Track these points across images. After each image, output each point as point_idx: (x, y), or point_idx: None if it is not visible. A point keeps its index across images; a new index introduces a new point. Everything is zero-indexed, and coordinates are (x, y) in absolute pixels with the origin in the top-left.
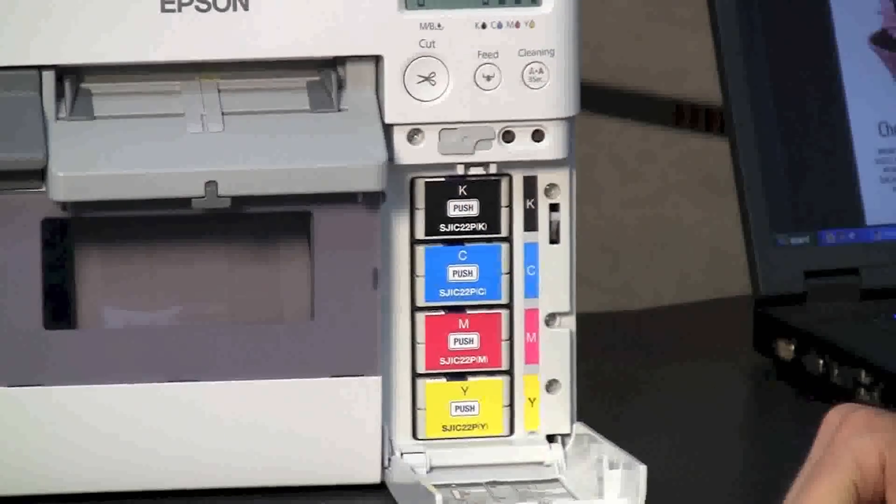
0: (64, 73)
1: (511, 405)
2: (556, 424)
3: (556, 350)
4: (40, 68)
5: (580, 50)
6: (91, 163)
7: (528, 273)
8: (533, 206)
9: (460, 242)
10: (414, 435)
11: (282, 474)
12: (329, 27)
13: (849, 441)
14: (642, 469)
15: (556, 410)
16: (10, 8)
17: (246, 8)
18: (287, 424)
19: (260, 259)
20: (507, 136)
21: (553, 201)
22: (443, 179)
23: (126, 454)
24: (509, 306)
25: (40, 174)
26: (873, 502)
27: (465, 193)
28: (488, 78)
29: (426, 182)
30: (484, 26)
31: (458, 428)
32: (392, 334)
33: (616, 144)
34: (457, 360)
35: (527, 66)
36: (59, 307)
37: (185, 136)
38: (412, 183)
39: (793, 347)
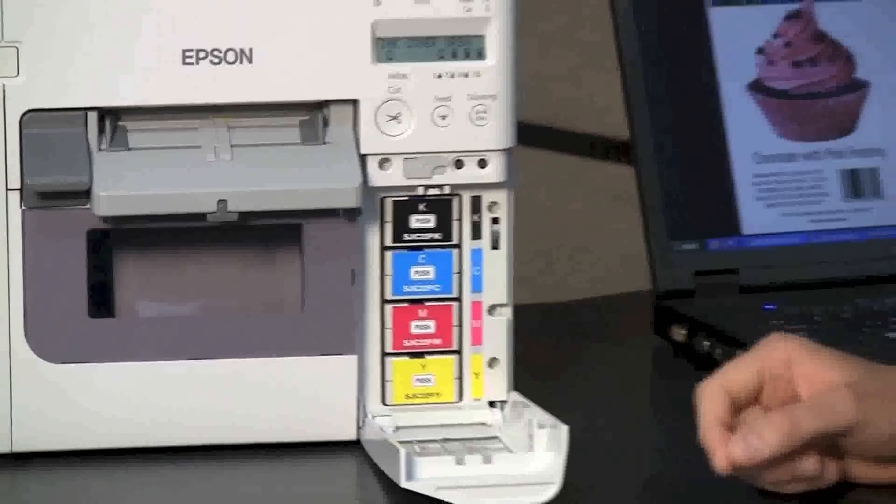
0: (105, 114)
1: (460, 378)
2: (496, 393)
3: (497, 334)
4: (86, 110)
5: (517, 94)
6: (127, 185)
7: (474, 273)
8: (478, 220)
9: (420, 248)
10: (383, 402)
11: (279, 432)
12: (316, 77)
13: (766, 341)
14: (565, 429)
15: (496, 382)
16: (61, 63)
17: (251, 61)
18: (283, 393)
19: (261, 262)
20: (458, 164)
21: (494, 215)
22: (406, 198)
23: (154, 416)
24: (459, 299)
25: (86, 194)
26: (778, 391)
27: (424, 209)
28: (443, 117)
29: (393, 200)
30: (440, 76)
31: (418, 396)
32: (366, 321)
33: (547, 171)
34: (417, 342)
35: (474, 107)
36: (101, 300)
37: (201, 164)
38: (382, 201)
39: (684, 332)
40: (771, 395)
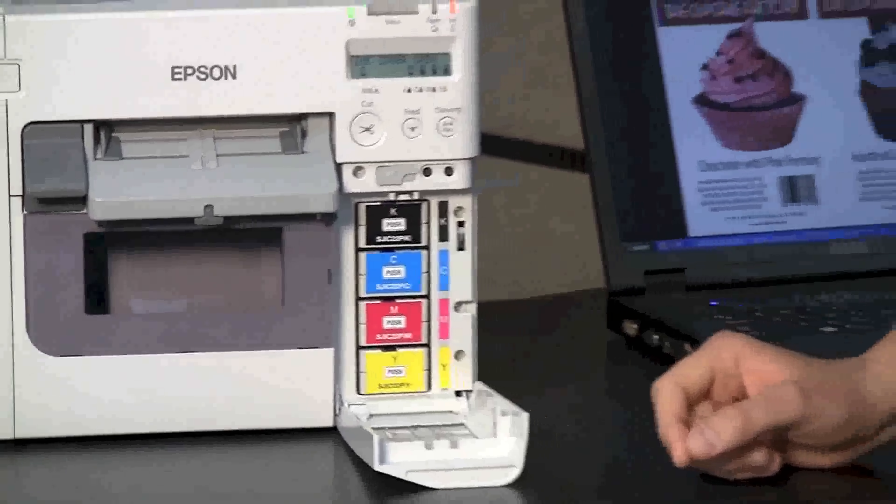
0: (100, 126)
1: (429, 369)
2: (462, 383)
3: (462, 329)
4: (82, 122)
5: (480, 107)
6: (120, 191)
7: (442, 272)
8: (445, 223)
9: (392, 250)
10: (357, 391)
11: (261, 419)
12: (295, 91)
13: (714, 339)
14: (526, 416)
15: (462, 373)
16: (60, 79)
17: (235, 77)
18: (264, 383)
19: (245, 262)
20: (427, 172)
21: (460, 219)
22: (379, 203)
23: (145, 405)
24: (428, 296)
25: (83, 200)
26: (727, 386)
27: (395, 214)
28: (412, 129)
29: (367, 205)
30: (409, 90)
31: (390, 386)
32: (342, 317)
33: (505, 177)
34: (389, 336)
35: (441, 119)
36: (97, 298)
37: (189, 172)
38: (356, 206)
39: (636, 326)
40: (721, 390)
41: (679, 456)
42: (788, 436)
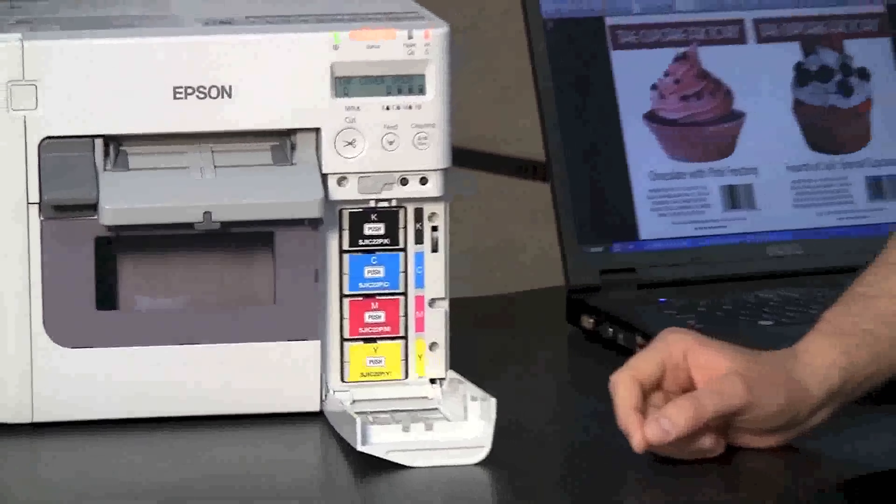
0: (109, 140)
1: (406, 359)
2: (436, 372)
3: (436, 323)
4: (93, 137)
5: (452, 123)
6: (128, 199)
7: (417, 272)
8: (420, 228)
9: (372, 252)
10: (342, 379)
11: (254, 405)
12: (285, 109)
13: (664, 335)
14: (493, 401)
15: (436, 363)
16: (73, 98)
17: (230, 96)
18: (257, 372)
19: (240, 263)
20: (404, 181)
21: (434, 224)
22: (361, 210)
23: (149, 391)
24: (405, 294)
25: (94, 207)
26: (677, 377)
27: (375, 219)
28: (391, 143)
29: (349, 212)
30: (388, 108)
31: (371, 375)
32: (327, 312)
33: (480, 190)
34: (370, 329)
35: (416, 134)
36: (106, 295)
37: (189, 182)
38: (340, 212)
39: (592, 320)
40: (671, 381)
41: (638, 442)
42: (733, 421)
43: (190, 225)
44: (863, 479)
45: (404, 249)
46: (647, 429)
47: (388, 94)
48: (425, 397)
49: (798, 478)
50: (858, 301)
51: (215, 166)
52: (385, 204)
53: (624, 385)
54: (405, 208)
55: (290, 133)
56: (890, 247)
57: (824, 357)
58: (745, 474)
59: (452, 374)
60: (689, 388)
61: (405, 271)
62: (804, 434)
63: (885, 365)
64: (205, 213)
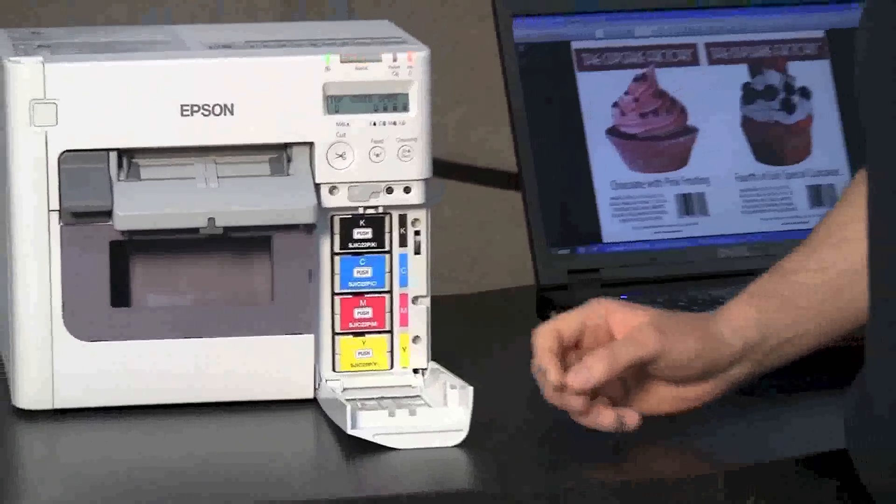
0: (122, 153)
1: (391, 351)
2: (419, 362)
3: (419, 318)
4: (108, 150)
5: (431, 137)
6: (139, 206)
7: (401, 272)
8: (404, 232)
9: (361, 254)
10: (333, 369)
11: (254, 392)
12: (282, 125)
13: (590, 300)
14: (470, 389)
15: (419, 354)
16: (89, 115)
17: (232, 114)
18: (257, 363)
19: (241, 264)
20: (389, 190)
21: (416, 229)
22: (350, 216)
23: (159, 381)
24: (390, 292)
25: (108, 214)
26: (597, 336)
27: (363, 224)
28: (377, 155)
29: (340, 218)
30: (375, 124)
31: (360, 365)
32: (320, 309)
33: (454, 195)
34: (359, 324)
35: (400, 147)
36: (120, 294)
37: (195, 190)
38: (332, 218)
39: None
40: (591, 339)
41: (554, 378)
42: (652, 370)
43: (195, 230)
44: (810, 458)
45: (390, 252)
46: (569, 377)
47: (375, 111)
48: (409, 385)
49: (744, 455)
50: (779, 273)
51: (218, 177)
52: (372, 211)
53: (543, 333)
54: (390, 214)
55: (286, 146)
56: (813, 232)
57: (741, 312)
58: (695, 453)
59: (433, 365)
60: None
61: (390, 271)
62: (727, 387)
63: (804, 332)
64: (209, 219)
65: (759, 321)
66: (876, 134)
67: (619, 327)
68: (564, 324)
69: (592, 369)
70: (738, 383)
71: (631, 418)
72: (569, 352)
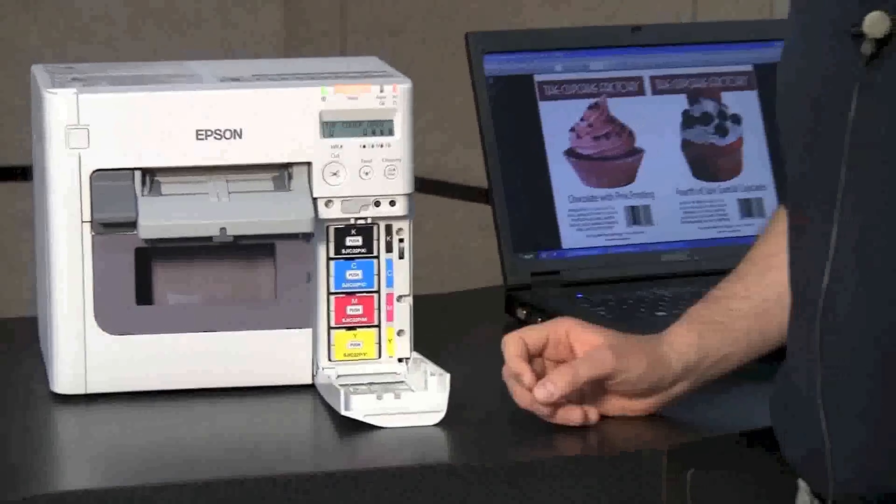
0: (145, 172)
1: (379, 343)
2: (403, 353)
3: (403, 314)
4: (133, 169)
5: (413, 158)
6: (161, 218)
7: (388, 274)
8: (390, 240)
9: (352, 259)
10: (329, 358)
11: (260, 378)
12: (284, 147)
13: (556, 318)
14: (447, 375)
15: (403, 345)
16: (117, 139)
17: (241, 138)
18: (262, 353)
19: (249, 267)
20: (377, 204)
21: (400, 237)
22: (343, 226)
23: (177, 368)
24: (378, 291)
25: (134, 224)
26: (558, 350)
27: (354, 233)
28: (366, 173)
29: (334, 227)
30: (364, 146)
31: (352, 355)
32: (317, 306)
33: (433, 209)
34: (351, 319)
35: (386, 167)
36: (144, 293)
37: (209, 204)
38: (327, 228)
39: (525, 312)
40: (552, 352)
41: (528, 380)
42: (606, 385)
43: (209, 238)
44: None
45: (377, 257)
46: (535, 391)
47: (364, 135)
48: (394, 373)
49: (685, 433)
50: (713, 301)
51: (229, 192)
52: (362, 221)
53: (512, 341)
54: (378, 225)
55: (287, 166)
56: (741, 263)
57: (682, 338)
58: (644, 431)
59: (416, 355)
60: (567, 360)
61: (378, 274)
62: (670, 401)
63: (736, 351)
64: (221, 228)
65: (698, 345)
66: (789, 168)
67: (578, 345)
68: (530, 336)
69: (557, 384)
70: (678, 398)
71: (593, 413)
72: (534, 359)
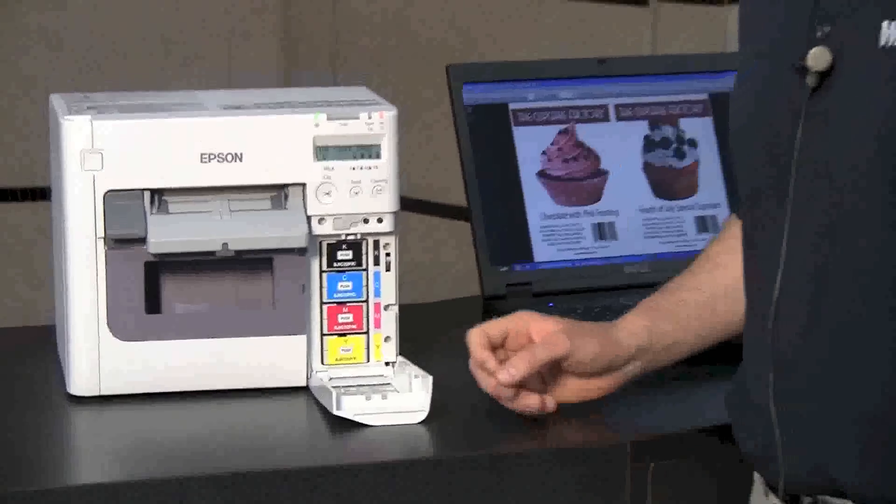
0: (154, 192)
1: (368, 348)
2: (389, 357)
3: (389, 322)
4: (142, 190)
5: (398, 179)
6: (168, 234)
7: (376, 285)
8: (377, 254)
9: (343, 271)
10: (322, 362)
11: (259, 380)
12: (280, 169)
13: (517, 312)
14: (430, 378)
15: (389, 350)
16: (127, 161)
17: (241, 161)
18: (261, 357)
19: (249, 279)
20: (366, 220)
21: (387, 252)
22: (335, 241)
23: (183, 372)
24: (367, 301)
25: (143, 240)
26: (518, 340)
27: (345, 248)
28: (356, 193)
29: (327, 243)
30: (354, 168)
31: (343, 359)
32: (311, 314)
33: (417, 224)
34: (342, 327)
35: (374, 187)
36: (152, 303)
37: (212, 221)
38: (320, 243)
39: None
40: (513, 343)
41: (492, 365)
42: (564, 366)
43: (212, 252)
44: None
45: (366, 269)
46: (498, 374)
47: (354, 158)
48: (382, 375)
49: (648, 427)
50: (668, 292)
51: (231, 211)
52: (352, 237)
53: (475, 334)
54: (367, 240)
55: (284, 186)
56: (694, 260)
57: (634, 322)
58: (608, 426)
59: (401, 359)
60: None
61: (367, 285)
62: (625, 380)
63: (684, 338)
64: (223, 244)
65: (649, 329)
66: (741, 188)
67: (536, 333)
68: (491, 328)
69: (517, 367)
70: (632, 378)
71: (550, 402)
72: (496, 350)
